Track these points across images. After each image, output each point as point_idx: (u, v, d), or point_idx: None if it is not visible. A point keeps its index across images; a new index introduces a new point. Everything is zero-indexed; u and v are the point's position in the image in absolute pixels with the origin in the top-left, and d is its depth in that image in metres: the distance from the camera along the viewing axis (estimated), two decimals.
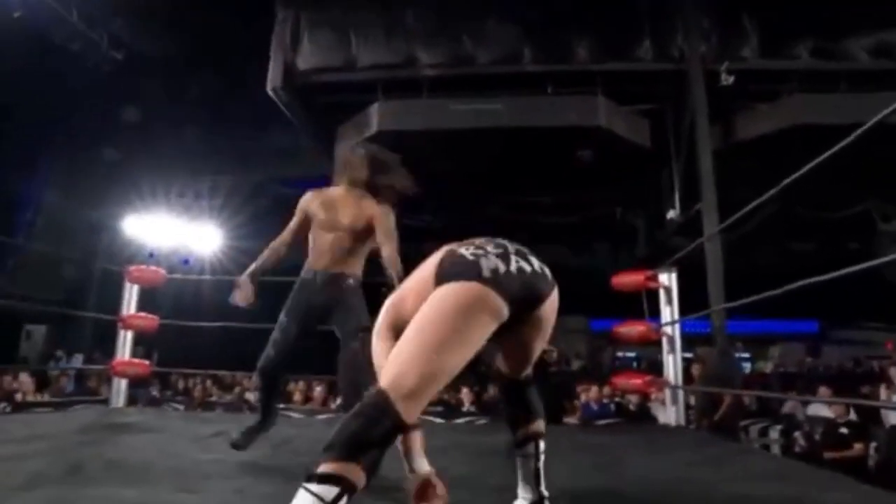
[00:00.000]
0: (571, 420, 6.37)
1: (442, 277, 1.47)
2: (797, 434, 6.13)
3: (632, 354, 15.86)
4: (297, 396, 7.25)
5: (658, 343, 4.29)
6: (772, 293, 2.74)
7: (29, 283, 9.32)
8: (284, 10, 8.24)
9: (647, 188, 9.22)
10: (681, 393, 4.20)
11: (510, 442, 1.74)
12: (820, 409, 6.07)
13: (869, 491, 2.29)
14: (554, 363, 6.73)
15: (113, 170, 10.13)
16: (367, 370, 1.91)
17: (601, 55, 7.94)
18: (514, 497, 1.71)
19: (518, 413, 1.73)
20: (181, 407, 7.30)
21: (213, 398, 8.00)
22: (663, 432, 4.17)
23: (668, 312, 4.20)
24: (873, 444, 5.24)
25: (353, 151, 2.69)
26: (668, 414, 4.27)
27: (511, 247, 1.56)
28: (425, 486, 1.40)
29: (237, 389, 8.18)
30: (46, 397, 6.93)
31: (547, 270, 1.58)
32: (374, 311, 1.80)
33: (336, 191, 2.64)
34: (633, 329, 4.41)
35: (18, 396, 6.44)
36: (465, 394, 6.83)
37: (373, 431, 1.24)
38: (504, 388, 1.76)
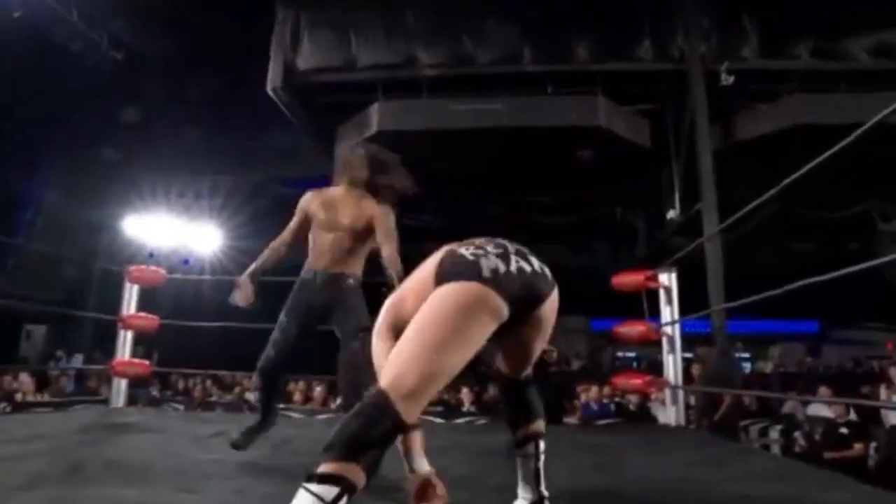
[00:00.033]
0: (571, 420, 6.36)
1: (442, 277, 1.47)
2: (797, 434, 6.13)
3: (632, 354, 15.87)
4: (297, 396, 7.25)
5: (658, 343, 4.29)
6: (772, 293, 2.74)
7: (29, 283, 9.32)
8: (284, 10, 8.24)
9: (647, 188, 9.22)
10: (681, 393, 4.20)
11: (510, 442, 1.74)
12: (820, 409, 6.07)
13: (869, 491, 2.29)
14: (554, 363, 6.73)
15: (113, 170, 10.13)
16: (367, 370, 1.91)
17: (601, 55, 7.94)
18: (514, 497, 1.71)
19: (518, 413, 1.73)
20: (181, 407, 7.30)
21: (213, 398, 8.00)
22: (663, 432, 4.17)
23: (668, 312, 4.20)
24: (873, 445, 5.23)
25: (353, 151, 2.69)
26: (668, 414, 4.27)
27: (511, 247, 1.56)
28: (425, 486, 1.40)
29: (237, 389, 8.18)
30: (46, 397, 6.93)
31: (547, 270, 1.58)
32: (374, 311, 1.80)
33: (336, 191, 2.64)
34: (633, 329, 4.41)
35: (18, 396, 6.44)
36: (466, 394, 6.83)
37: (373, 431, 1.24)
38: (504, 388, 1.76)
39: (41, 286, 9.43)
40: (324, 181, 2.84)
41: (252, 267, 2.63)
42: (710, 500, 2.10)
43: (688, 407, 4.61)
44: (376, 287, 2.11)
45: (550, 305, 1.59)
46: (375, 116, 7.72)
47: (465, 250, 1.51)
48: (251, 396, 7.41)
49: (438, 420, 5.51)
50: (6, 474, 2.04)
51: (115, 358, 4.53)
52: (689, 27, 7.84)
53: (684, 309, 4.24)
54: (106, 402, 4.73)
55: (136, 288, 4.64)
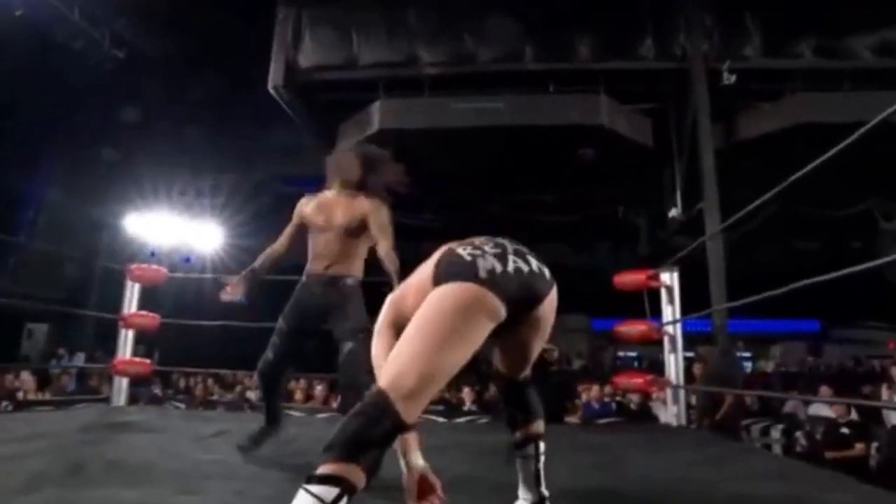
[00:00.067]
0: (573, 419, 6.36)
1: (439, 278, 1.47)
2: (798, 434, 6.12)
3: (633, 354, 15.88)
4: (299, 395, 7.26)
5: (659, 342, 4.28)
6: (773, 293, 2.73)
7: (30, 282, 9.34)
8: (286, 9, 8.24)
9: (648, 187, 9.20)
10: (682, 392, 4.19)
11: (510, 443, 1.73)
12: (821, 409, 6.06)
13: (870, 491, 2.28)
14: (555, 362, 6.72)
15: (114, 168, 10.13)
16: (365, 371, 1.90)
17: (603, 54, 7.93)
18: (515, 497, 1.71)
19: (517, 414, 1.73)
20: (182, 405, 7.31)
21: (215, 397, 8.01)
22: (664, 432, 4.17)
23: (670, 312, 4.19)
24: (874, 444, 5.22)
25: (343, 153, 2.75)
26: (670, 413, 4.26)
27: (510, 246, 1.55)
28: (421, 482, 1.40)
29: (238, 388, 8.20)
30: (48, 396, 6.94)
31: (546, 270, 1.58)
32: (373, 311, 1.79)
33: (329, 193, 2.68)
34: (634, 328, 4.40)
35: (20, 395, 6.46)
36: (467, 393, 6.83)
37: (373, 432, 1.24)
38: (503, 389, 1.76)
39: (43, 285, 9.45)
40: (325, 179, 2.85)
41: (249, 268, 2.70)
42: (712, 499, 2.09)
43: (689, 406, 4.61)
44: (376, 286, 2.11)
45: (549, 305, 1.59)
46: (377, 115, 7.72)
47: (463, 250, 1.51)
48: (252, 395, 7.42)
49: (440, 419, 5.52)
50: (7, 474, 2.04)
51: (116, 356, 4.53)
52: (691, 26, 7.83)
53: (686, 308, 4.23)
54: (107, 400, 4.73)
55: (137, 286, 4.64)
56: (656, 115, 8.32)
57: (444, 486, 1.42)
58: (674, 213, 8.39)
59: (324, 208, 2.62)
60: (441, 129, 7.60)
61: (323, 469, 1.19)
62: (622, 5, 7.98)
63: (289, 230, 2.73)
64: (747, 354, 14.28)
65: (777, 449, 6.11)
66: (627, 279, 4.42)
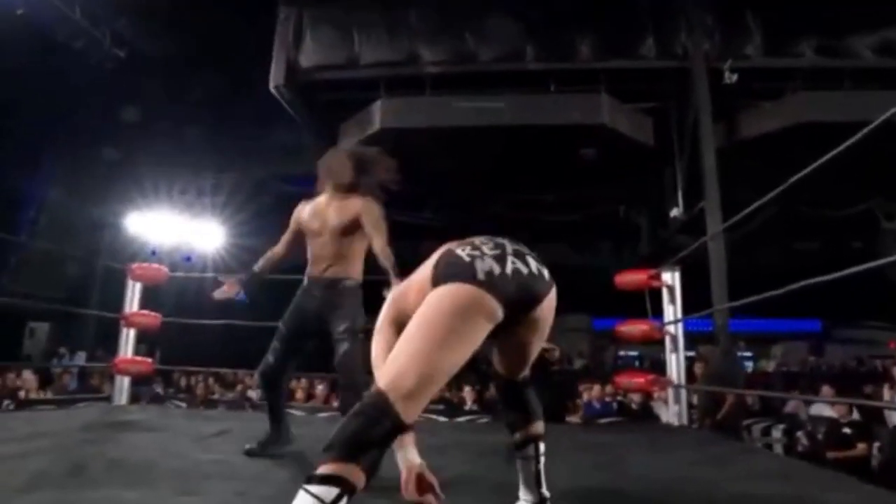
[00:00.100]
0: (574, 419, 6.36)
1: (438, 278, 1.47)
2: (800, 433, 6.12)
3: (634, 353, 15.89)
4: (300, 394, 7.27)
5: (661, 342, 4.28)
6: (775, 292, 2.72)
7: (32, 281, 9.35)
8: (287, 8, 8.24)
9: (650, 186, 9.20)
10: (683, 392, 4.19)
11: (510, 444, 1.73)
12: (823, 409, 6.06)
13: (872, 491, 2.28)
14: (556, 362, 6.71)
15: (115, 167, 10.13)
16: (361, 371, 1.90)
17: (604, 53, 7.92)
18: (515, 497, 1.71)
19: (517, 415, 1.73)
20: (184, 404, 7.31)
21: (216, 396, 8.02)
22: (666, 431, 4.16)
23: (671, 311, 4.19)
24: (876, 444, 5.22)
25: (334, 155, 2.75)
26: (671, 413, 4.25)
27: (509, 247, 1.55)
28: (417, 478, 1.40)
29: (239, 387, 8.20)
30: (49, 395, 6.95)
31: (545, 271, 1.57)
32: (373, 311, 1.79)
33: (322, 198, 2.70)
34: (635, 328, 4.39)
35: (22, 394, 6.47)
36: (467, 392, 6.83)
37: (372, 432, 1.24)
38: (502, 390, 1.76)
39: (44, 284, 9.46)
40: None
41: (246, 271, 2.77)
42: (713, 499, 2.09)
43: (690, 406, 4.60)
44: (376, 286, 2.11)
45: (548, 306, 1.58)
46: (378, 114, 7.72)
47: (462, 251, 1.51)
48: (253, 394, 7.43)
49: (440, 418, 5.51)
50: (8, 473, 2.04)
51: (117, 355, 4.53)
52: (692, 25, 7.82)
53: (687, 308, 4.23)
54: (108, 399, 4.73)
55: (138, 285, 4.64)
56: (657, 114, 8.30)
57: (444, 486, 1.42)
58: (675, 212, 8.38)
59: (318, 213, 2.65)
60: (442, 128, 7.59)
61: (323, 469, 1.19)
62: (623, 4, 7.97)
63: (287, 236, 2.78)
64: (749, 354, 14.26)
65: (778, 449, 6.10)
66: (629, 279, 4.41)
